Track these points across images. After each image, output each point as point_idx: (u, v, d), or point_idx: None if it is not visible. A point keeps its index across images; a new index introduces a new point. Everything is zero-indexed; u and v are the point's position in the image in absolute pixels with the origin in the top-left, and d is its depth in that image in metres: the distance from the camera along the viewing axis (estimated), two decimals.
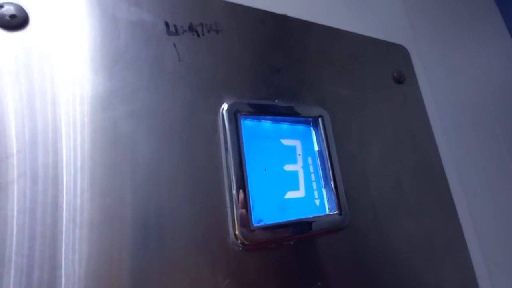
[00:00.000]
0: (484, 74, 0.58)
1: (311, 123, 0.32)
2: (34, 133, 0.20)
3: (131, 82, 0.24)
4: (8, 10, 0.21)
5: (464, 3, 0.63)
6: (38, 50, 0.22)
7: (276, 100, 0.30)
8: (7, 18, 0.21)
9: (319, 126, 0.31)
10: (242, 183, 0.25)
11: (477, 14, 0.65)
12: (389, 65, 0.41)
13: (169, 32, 0.27)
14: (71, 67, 0.23)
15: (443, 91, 0.48)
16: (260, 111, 0.28)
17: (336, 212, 0.29)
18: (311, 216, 0.27)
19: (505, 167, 0.51)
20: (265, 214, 0.26)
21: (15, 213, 0.19)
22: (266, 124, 0.30)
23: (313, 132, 0.32)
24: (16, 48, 0.21)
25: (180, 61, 0.26)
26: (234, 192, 0.25)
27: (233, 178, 0.25)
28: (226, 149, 0.26)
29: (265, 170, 0.27)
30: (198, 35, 0.28)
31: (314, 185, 0.30)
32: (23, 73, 0.21)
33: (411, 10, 0.51)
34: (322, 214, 0.28)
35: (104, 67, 0.24)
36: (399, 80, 0.41)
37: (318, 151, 0.31)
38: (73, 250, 0.19)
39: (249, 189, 0.25)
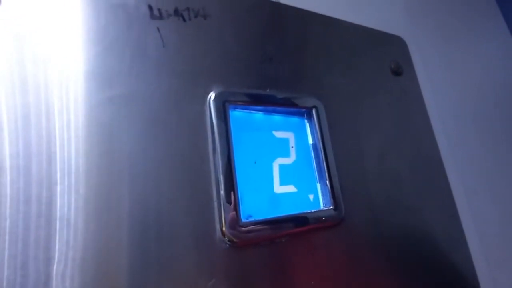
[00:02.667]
0: (482, 68, 0.57)
1: (305, 115, 0.30)
2: (12, 120, 0.19)
3: (110, 66, 0.22)
4: None
5: None
6: (10, 31, 0.20)
7: (268, 90, 0.28)
8: None
9: (313, 117, 0.30)
10: (230, 177, 0.23)
11: (474, 7, 0.64)
12: (387, 56, 0.39)
13: (152, 16, 0.25)
14: (46, 49, 0.21)
15: (442, 84, 0.47)
16: (250, 100, 0.27)
17: (331, 207, 0.27)
18: (304, 212, 0.26)
19: (504, 161, 0.50)
20: (254, 209, 0.24)
21: (8, 223, 0.17)
22: (257, 115, 0.28)
23: (307, 124, 0.30)
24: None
25: (164, 46, 0.25)
26: (221, 186, 0.23)
27: (221, 171, 0.23)
28: (213, 140, 0.24)
29: (255, 163, 0.26)
30: (184, 20, 0.26)
31: (308, 179, 0.28)
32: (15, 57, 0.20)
33: (409, 1, 0.49)
34: (316, 210, 0.27)
35: (81, 50, 0.22)
36: (397, 72, 0.39)
37: (312, 144, 0.29)
38: (67, 253, 0.18)
39: (238, 183, 0.24)
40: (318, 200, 0.28)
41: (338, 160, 0.29)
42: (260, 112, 0.28)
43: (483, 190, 0.44)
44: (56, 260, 0.18)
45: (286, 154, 0.28)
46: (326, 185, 0.28)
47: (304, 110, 0.30)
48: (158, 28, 0.25)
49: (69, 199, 0.19)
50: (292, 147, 0.28)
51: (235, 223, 0.22)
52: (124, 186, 0.21)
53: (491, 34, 0.63)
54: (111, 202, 0.20)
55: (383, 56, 0.39)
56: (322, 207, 0.27)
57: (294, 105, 0.29)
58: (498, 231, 0.43)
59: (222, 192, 0.23)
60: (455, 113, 0.46)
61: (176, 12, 0.26)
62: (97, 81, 0.22)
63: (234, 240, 0.22)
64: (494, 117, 0.52)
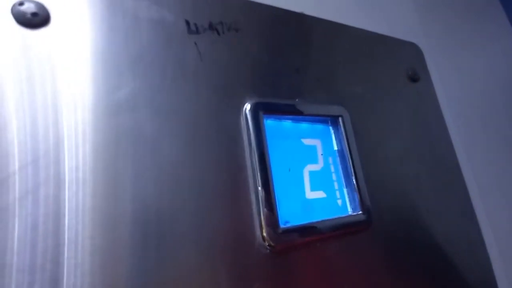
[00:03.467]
0: (492, 73, 0.58)
1: (330, 122, 0.31)
2: (60, 137, 0.20)
3: (153, 83, 0.24)
4: (29, 7, 0.21)
5: (470, 2, 0.63)
6: (60, 50, 0.21)
7: (297, 100, 0.30)
8: (29, 16, 0.21)
9: (339, 125, 0.31)
10: (267, 183, 0.25)
11: (482, 13, 0.65)
12: (403, 63, 0.41)
13: (190, 31, 0.26)
14: (90, 69, 0.22)
15: (454, 90, 0.48)
16: (282, 110, 0.28)
17: (360, 212, 0.28)
18: (336, 217, 0.27)
19: None
20: (290, 215, 0.25)
21: (15, 228, 0.18)
22: (287, 124, 0.29)
23: (332, 131, 0.31)
24: (38, 47, 0.21)
25: (201, 60, 0.26)
26: (259, 192, 0.24)
27: (258, 178, 0.24)
28: (251, 149, 0.25)
29: (289, 170, 0.27)
30: (218, 34, 0.27)
31: (336, 185, 0.30)
32: (48, 74, 0.21)
33: (421, 9, 0.51)
34: (346, 215, 0.28)
35: (126, 68, 0.23)
36: (414, 78, 0.40)
37: (338, 150, 0.31)
38: (76, 256, 0.18)
39: (275, 189, 0.25)
40: (345, 205, 0.29)
41: (362, 165, 0.31)
42: (289, 121, 0.29)
43: (497, 192, 0.45)
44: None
45: (315, 161, 0.29)
46: (354, 190, 0.29)
47: (329, 118, 0.31)
48: (195, 42, 0.26)
49: (93, 208, 0.20)
50: (321, 154, 0.29)
51: (274, 228, 0.24)
52: (168, 195, 0.22)
53: (499, 39, 0.65)
54: (159, 211, 0.21)
55: (400, 63, 0.40)
56: (350, 212, 0.29)
57: (321, 113, 0.30)
58: None
59: (261, 198, 0.24)
60: (467, 116, 0.48)
61: (211, 26, 0.27)
62: (142, 97, 0.23)
63: (274, 245, 0.23)
64: (504, 123, 0.53)
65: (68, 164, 0.20)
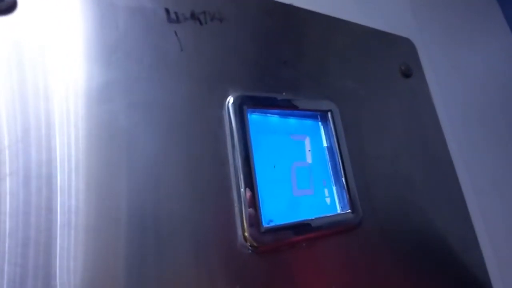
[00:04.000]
0: (487, 70, 0.57)
1: (319, 118, 0.30)
2: (27, 128, 0.18)
3: (130, 72, 0.22)
4: None
5: None
6: (28, 38, 0.20)
7: (284, 93, 0.28)
8: None
9: (329, 120, 0.30)
10: (250, 181, 0.23)
11: (478, 10, 0.64)
12: (396, 58, 0.40)
13: (170, 20, 0.25)
14: (65, 57, 0.21)
15: (449, 87, 0.47)
16: (268, 104, 0.27)
17: (348, 210, 0.27)
18: (323, 216, 0.26)
19: (511, 161, 0.50)
20: (275, 214, 0.24)
21: (7, 217, 0.17)
22: (273, 119, 0.28)
23: (322, 127, 0.30)
24: (3, 35, 0.19)
25: (182, 50, 0.25)
26: (242, 190, 0.23)
27: (241, 175, 0.23)
28: (233, 144, 0.24)
29: (274, 167, 0.26)
30: (201, 23, 0.26)
31: (324, 182, 0.28)
32: (14, 62, 0.19)
33: (416, 4, 0.50)
34: (334, 213, 0.27)
35: (101, 57, 0.22)
36: (407, 74, 0.39)
37: (327, 147, 0.29)
38: (68, 257, 0.18)
39: (258, 187, 0.23)
40: (334, 203, 0.28)
41: (352, 163, 0.29)
42: (276, 116, 0.28)
43: (491, 190, 0.44)
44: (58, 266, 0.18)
45: (303, 158, 0.28)
46: (343, 188, 0.28)
47: (318, 113, 0.30)
48: (175, 32, 0.25)
49: (87, 210, 0.19)
50: (308, 150, 0.28)
51: (257, 228, 0.22)
52: (145, 192, 0.20)
53: (495, 36, 0.64)
54: (131, 207, 0.20)
55: (393, 58, 0.39)
56: (339, 211, 0.27)
57: (309, 108, 0.29)
58: (507, 231, 0.43)
59: (243, 196, 0.23)
60: (462, 114, 0.47)
61: (193, 15, 0.26)
62: (117, 88, 0.21)
63: (256, 245, 0.22)
64: (500, 120, 0.52)
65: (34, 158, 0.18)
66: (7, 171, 0.17)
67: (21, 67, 0.19)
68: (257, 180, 0.24)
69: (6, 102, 0.18)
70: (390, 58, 0.39)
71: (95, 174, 0.19)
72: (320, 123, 0.30)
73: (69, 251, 0.18)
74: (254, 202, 0.23)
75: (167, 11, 0.25)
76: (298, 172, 0.27)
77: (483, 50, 0.60)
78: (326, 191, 0.28)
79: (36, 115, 0.19)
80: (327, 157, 0.29)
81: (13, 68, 0.19)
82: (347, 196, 0.27)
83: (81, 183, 0.19)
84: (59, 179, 0.18)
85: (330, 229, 0.26)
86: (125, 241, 0.19)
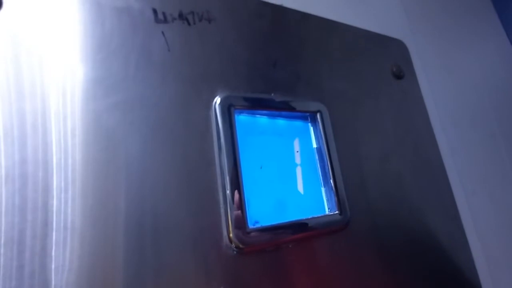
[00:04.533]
0: (480, 72, 0.57)
1: (309, 119, 0.30)
2: (7, 127, 0.18)
3: (116, 72, 0.22)
4: None
5: (460, 1, 0.62)
6: (12, 36, 0.20)
7: (272, 94, 0.28)
8: None
9: (318, 122, 0.30)
10: (236, 182, 0.23)
11: (472, 11, 0.64)
12: (388, 59, 0.40)
13: (157, 20, 0.25)
14: (50, 55, 0.21)
15: (441, 87, 0.47)
16: (255, 105, 0.27)
17: (336, 212, 0.27)
18: (310, 217, 0.26)
19: (502, 164, 0.50)
20: (261, 215, 0.24)
21: (3, 219, 0.17)
22: (262, 120, 0.28)
23: (311, 128, 0.30)
24: None
25: (169, 50, 0.24)
26: (228, 192, 0.23)
27: (227, 176, 0.23)
28: (219, 145, 0.24)
29: (261, 168, 0.26)
30: (189, 24, 0.26)
31: (313, 184, 0.28)
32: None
33: (408, 5, 0.50)
34: (322, 215, 0.27)
35: (86, 56, 0.22)
36: (398, 75, 0.39)
37: (316, 148, 0.29)
38: (64, 258, 0.18)
39: (244, 188, 0.23)
40: (323, 204, 0.28)
41: (342, 164, 0.29)
42: (264, 116, 0.28)
43: (482, 191, 0.44)
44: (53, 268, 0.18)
45: (291, 159, 0.28)
46: (331, 189, 0.28)
47: (308, 114, 0.30)
48: (163, 32, 0.25)
49: (72, 206, 0.19)
50: (297, 151, 0.28)
51: (242, 229, 0.22)
52: (130, 191, 0.20)
53: (489, 38, 0.64)
54: (117, 208, 0.20)
55: (384, 60, 0.39)
56: (327, 212, 0.27)
57: (298, 109, 0.29)
58: (496, 231, 0.43)
59: (228, 197, 0.23)
60: (454, 117, 0.47)
61: (181, 15, 0.26)
62: (102, 87, 0.21)
63: (241, 246, 0.22)
64: (492, 121, 0.53)
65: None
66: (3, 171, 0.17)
67: (4, 65, 0.19)
68: (243, 181, 0.23)
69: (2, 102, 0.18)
70: (381, 60, 0.39)
71: (80, 172, 0.19)
72: (309, 124, 0.30)
73: (64, 251, 0.18)
74: (240, 203, 0.23)
75: (155, 11, 0.25)
76: (286, 173, 0.27)
77: (476, 51, 0.60)
78: (314, 192, 0.28)
79: (20, 114, 0.19)
80: (316, 158, 0.29)
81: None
82: (335, 197, 0.27)
83: (63, 182, 0.19)
84: (41, 178, 0.18)
85: (317, 230, 0.26)
86: (110, 242, 0.19)
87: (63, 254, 0.18)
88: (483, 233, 0.40)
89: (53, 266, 0.17)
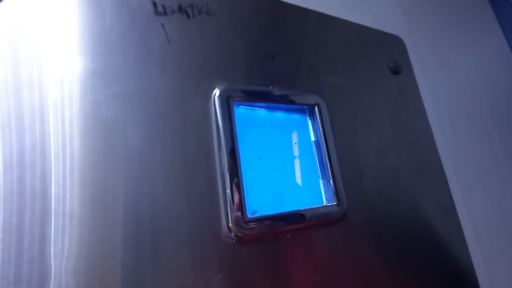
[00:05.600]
0: (477, 71, 0.58)
1: (307, 112, 0.30)
2: (7, 117, 0.19)
3: (115, 64, 0.22)
4: None
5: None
6: (12, 28, 0.20)
7: (271, 87, 0.29)
8: None
9: (316, 114, 0.30)
10: (235, 172, 0.24)
11: (469, 9, 0.65)
12: (385, 55, 0.40)
13: (156, 12, 0.25)
14: (49, 47, 0.21)
15: (438, 86, 0.48)
16: (254, 97, 0.27)
17: (334, 203, 0.27)
18: (308, 208, 0.26)
19: (498, 161, 0.51)
20: (259, 205, 0.24)
21: (1, 212, 0.17)
22: (260, 112, 0.28)
23: (309, 121, 0.30)
24: None
25: (169, 43, 0.25)
26: (227, 182, 0.23)
27: (226, 167, 0.23)
28: (218, 136, 0.24)
29: (259, 159, 0.26)
30: (188, 17, 0.26)
31: (311, 175, 0.29)
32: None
33: (406, 3, 0.50)
34: (319, 205, 0.27)
35: (86, 48, 0.22)
36: (395, 71, 0.40)
37: (314, 140, 0.30)
38: (62, 251, 0.18)
39: (243, 178, 0.24)
40: (321, 196, 0.28)
41: (339, 156, 0.30)
42: (263, 109, 0.28)
43: (478, 187, 0.45)
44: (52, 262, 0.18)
45: (290, 151, 0.28)
46: (329, 181, 0.28)
47: (306, 107, 0.30)
48: (162, 24, 0.25)
49: (71, 197, 0.19)
50: (295, 143, 0.29)
51: (241, 218, 0.23)
52: (129, 180, 0.21)
53: (485, 36, 0.65)
54: (115, 199, 0.20)
55: (382, 55, 0.40)
56: (325, 203, 0.28)
57: (297, 102, 0.29)
58: (492, 226, 0.44)
59: (227, 188, 0.23)
60: (450, 114, 0.47)
61: (180, 8, 0.26)
62: (101, 79, 0.22)
63: (240, 235, 0.22)
64: (488, 119, 0.53)
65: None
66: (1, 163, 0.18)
67: (2, 57, 0.19)
68: (242, 171, 0.24)
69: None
70: (379, 55, 0.39)
71: (79, 163, 0.20)
72: (307, 117, 0.31)
73: (63, 242, 0.18)
74: (238, 193, 0.23)
75: (154, 4, 0.25)
76: (284, 165, 0.27)
77: (473, 49, 0.60)
78: (312, 184, 0.29)
79: (18, 105, 0.19)
80: (314, 150, 0.30)
81: None
82: (333, 188, 0.28)
83: (63, 171, 0.19)
84: (39, 166, 0.19)
85: (315, 220, 0.26)
86: (108, 232, 0.19)
87: (62, 240, 0.18)
88: (479, 227, 0.41)
89: (52, 252, 0.18)
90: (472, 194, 0.43)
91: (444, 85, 0.49)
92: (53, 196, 0.18)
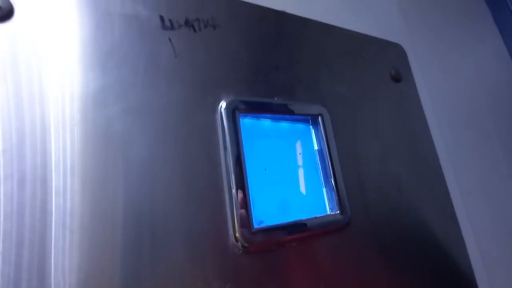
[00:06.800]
0: (476, 74, 0.59)
1: (310, 122, 0.31)
2: (22, 133, 0.19)
3: (125, 78, 0.23)
4: None
5: (456, 3, 0.64)
6: (25, 44, 0.21)
7: (275, 98, 0.29)
8: None
9: (319, 124, 0.31)
10: (241, 183, 0.24)
11: (468, 15, 0.65)
12: (386, 63, 0.41)
13: (164, 27, 0.26)
14: (61, 63, 0.21)
15: (438, 90, 0.48)
16: (259, 109, 0.28)
17: (338, 212, 0.28)
18: (313, 217, 0.27)
19: (498, 164, 0.52)
20: (265, 215, 0.25)
21: (1, 218, 0.18)
22: (265, 123, 0.29)
23: (313, 131, 0.31)
24: (0, 42, 0.20)
25: (176, 57, 0.25)
26: (233, 192, 0.24)
27: (233, 178, 0.24)
28: (225, 148, 0.25)
29: (265, 170, 0.27)
30: (195, 30, 0.27)
31: (315, 184, 0.29)
32: (9, 69, 0.20)
33: (405, 9, 0.51)
34: (324, 214, 0.28)
35: (96, 63, 0.22)
36: (397, 79, 0.40)
37: (318, 150, 0.30)
38: (63, 257, 0.18)
39: (249, 189, 0.24)
40: (324, 204, 0.29)
41: (342, 165, 0.30)
42: (268, 120, 0.29)
43: (477, 191, 0.45)
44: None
45: (294, 160, 0.29)
46: (332, 190, 0.29)
47: (309, 117, 0.31)
48: (169, 38, 0.25)
49: (71, 207, 0.20)
50: (299, 153, 0.29)
51: (248, 228, 0.23)
52: (140, 193, 0.21)
53: (484, 40, 0.65)
54: (126, 210, 0.21)
55: (383, 63, 0.40)
56: (329, 212, 0.28)
57: (300, 112, 0.30)
58: (491, 229, 0.44)
59: (234, 198, 0.24)
60: (450, 118, 0.48)
61: (187, 22, 0.27)
62: (112, 93, 0.22)
63: (247, 245, 0.23)
64: (488, 123, 0.54)
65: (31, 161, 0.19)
66: (1, 175, 0.18)
67: (16, 72, 0.20)
68: (248, 182, 0.24)
69: (1, 107, 0.19)
70: (380, 63, 0.40)
71: (90, 177, 0.20)
72: (311, 126, 0.31)
73: (64, 251, 0.18)
74: (245, 204, 0.24)
75: (162, 18, 0.26)
76: (289, 175, 0.28)
77: (472, 53, 0.61)
78: (316, 192, 0.29)
79: (32, 119, 0.20)
80: (318, 160, 0.30)
81: (8, 73, 0.20)
82: (336, 197, 0.28)
83: (76, 185, 0.20)
84: (54, 182, 0.19)
85: (319, 229, 0.27)
86: (120, 242, 0.20)
87: (63, 255, 0.18)
88: (479, 231, 0.41)
89: (52, 264, 0.18)
90: (472, 197, 0.44)
91: (444, 88, 0.50)
92: (54, 211, 0.19)
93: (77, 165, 0.20)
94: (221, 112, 0.26)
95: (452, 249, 0.36)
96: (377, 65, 0.39)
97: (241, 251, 0.23)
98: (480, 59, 0.62)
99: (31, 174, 0.19)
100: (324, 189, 0.29)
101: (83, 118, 0.21)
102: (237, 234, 0.23)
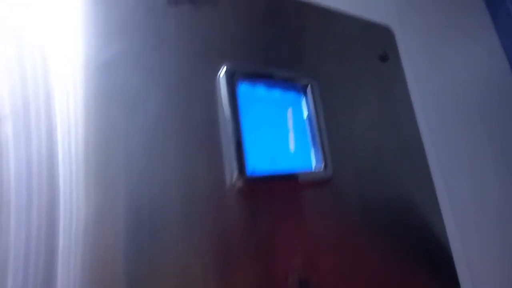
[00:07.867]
0: (465, 63, 0.61)
1: (301, 90, 0.35)
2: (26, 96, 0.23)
3: (137, 47, 0.27)
4: None
5: None
6: (32, 13, 0.24)
7: (270, 68, 0.33)
8: None
9: (309, 93, 0.34)
10: (238, 138, 0.28)
11: (462, 5, 0.67)
12: (375, 44, 0.44)
13: (169, 4, 0.29)
14: (75, 35, 0.25)
15: (425, 76, 0.51)
16: (256, 75, 0.32)
17: (322, 167, 0.32)
18: (299, 171, 0.30)
19: (478, 142, 0.54)
20: (257, 166, 0.29)
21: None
22: (260, 90, 0.33)
23: (303, 99, 0.35)
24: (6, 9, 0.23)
25: (180, 29, 0.29)
26: (231, 146, 0.28)
27: (230, 133, 0.28)
28: (224, 108, 0.29)
29: (259, 128, 0.30)
30: (197, 6, 0.31)
31: (303, 145, 0.33)
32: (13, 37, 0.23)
33: None
34: (310, 169, 0.31)
35: (115, 30, 0.26)
36: (383, 58, 0.44)
37: (307, 115, 0.34)
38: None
39: (244, 143, 0.28)
40: (310, 162, 0.33)
41: (328, 130, 0.34)
42: (262, 87, 0.33)
43: (458, 169, 0.48)
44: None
45: (285, 123, 0.33)
46: (318, 149, 0.32)
47: (301, 86, 0.35)
48: (174, 14, 0.29)
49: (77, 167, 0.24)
50: (290, 116, 0.33)
51: (242, 174, 0.27)
52: (145, 148, 0.25)
53: (477, 31, 0.67)
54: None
55: (371, 44, 0.44)
56: (313, 168, 0.32)
57: (292, 81, 0.34)
58: (469, 204, 0.47)
59: (232, 150, 0.28)
60: (437, 105, 0.50)
61: None
62: (128, 59, 0.26)
63: (241, 189, 0.27)
64: (475, 111, 0.56)
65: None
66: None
67: (20, 41, 0.24)
68: (243, 137, 0.28)
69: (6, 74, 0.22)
70: (369, 43, 0.43)
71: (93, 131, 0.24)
72: (302, 95, 0.35)
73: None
74: (239, 154, 0.28)
75: None
76: (280, 135, 0.32)
77: (464, 43, 0.63)
78: (304, 152, 0.33)
79: (35, 87, 0.23)
80: (307, 124, 0.34)
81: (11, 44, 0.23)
82: (322, 155, 0.32)
83: (80, 141, 0.23)
84: (60, 149, 0.23)
85: (305, 180, 0.31)
86: (123, 194, 0.23)
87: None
88: (457, 206, 0.44)
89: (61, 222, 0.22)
90: (453, 175, 0.47)
91: (431, 76, 0.52)
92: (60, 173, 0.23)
93: (80, 121, 0.23)
94: (221, 78, 0.29)
95: (428, 215, 0.40)
96: (365, 45, 0.43)
97: (236, 193, 0.27)
98: (471, 51, 0.63)
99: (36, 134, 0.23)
100: (312, 149, 0.33)
101: (88, 82, 0.24)
102: (233, 179, 0.27)
